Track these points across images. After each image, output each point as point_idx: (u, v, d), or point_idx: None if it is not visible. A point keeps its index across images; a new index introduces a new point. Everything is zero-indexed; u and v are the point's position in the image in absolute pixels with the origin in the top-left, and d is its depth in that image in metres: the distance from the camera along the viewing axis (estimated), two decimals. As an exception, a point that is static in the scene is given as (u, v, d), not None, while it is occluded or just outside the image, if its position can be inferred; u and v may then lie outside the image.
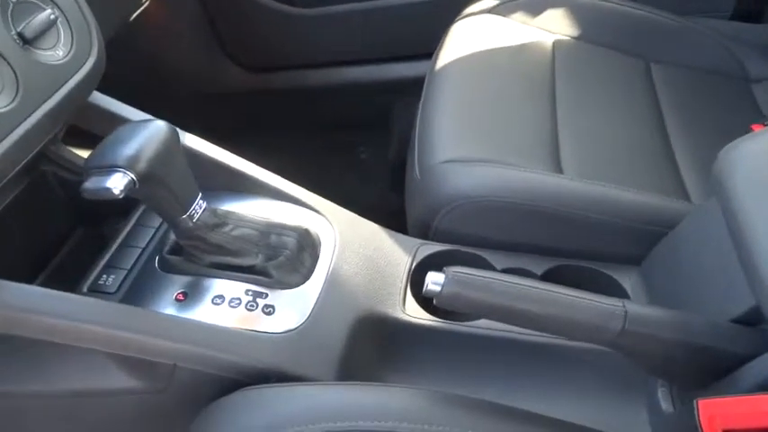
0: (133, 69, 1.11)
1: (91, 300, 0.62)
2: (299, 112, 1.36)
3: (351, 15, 1.26)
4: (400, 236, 0.80)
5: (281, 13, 1.26)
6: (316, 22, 1.27)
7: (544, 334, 0.66)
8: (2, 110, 0.56)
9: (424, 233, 0.80)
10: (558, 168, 0.80)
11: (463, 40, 0.99)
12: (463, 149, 0.81)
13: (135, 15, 1.10)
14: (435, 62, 0.97)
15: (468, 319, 0.72)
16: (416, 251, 0.78)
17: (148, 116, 0.72)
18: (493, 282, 0.56)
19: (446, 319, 0.72)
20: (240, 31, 1.30)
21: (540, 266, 0.77)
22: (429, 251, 0.78)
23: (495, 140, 0.83)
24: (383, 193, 1.20)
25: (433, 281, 0.55)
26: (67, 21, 0.65)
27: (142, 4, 1.11)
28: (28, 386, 0.61)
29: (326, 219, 0.76)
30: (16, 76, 0.58)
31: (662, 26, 1.05)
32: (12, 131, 0.57)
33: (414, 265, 0.76)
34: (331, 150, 1.35)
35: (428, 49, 1.02)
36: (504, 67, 0.96)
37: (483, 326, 0.71)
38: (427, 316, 0.72)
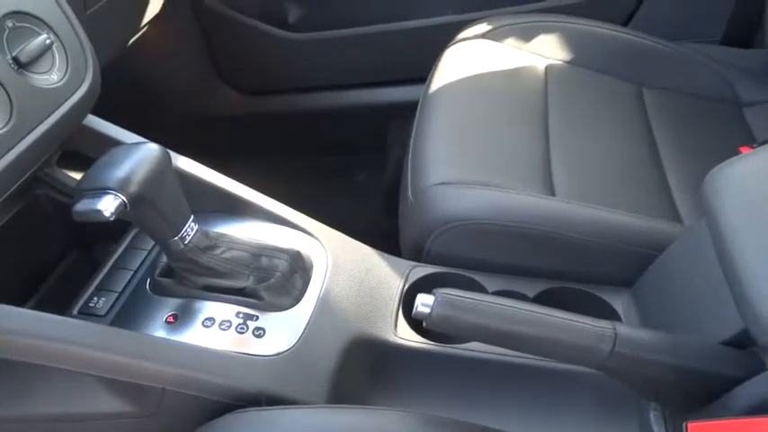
0: (129, 92, 1.11)
1: (80, 322, 0.62)
2: (295, 135, 1.37)
3: (345, 40, 1.27)
4: (393, 258, 0.80)
5: (276, 37, 1.27)
6: (310, 46, 1.28)
7: (535, 356, 0.66)
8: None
9: (417, 255, 0.80)
10: (550, 191, 0.81)
11: (456, 64, 1.00)
12: (456, 172, 0.82)
13: (133, 40, 1.12)
14: (429, 86, 0.98)
15: (459, 342, 0.71)
16: (409, 273, 0.78)
17: (142, 139, 0.73)
18: (482, 304, 0.56)
19: (437, 342, 0.72)
20: (236, 55, 1.32)
21: (532, 289, 0.76)
22: (421, 273, 0.78)
23: (487, 163, 0.84)
24: (378, 215, 1.20)
25: (423, 302, 0.55)
26: (63, 46, 0.66)
27: (140, 30, 1.12)
28: (12, 410, 0.61)
29: (319, 241, 0.76)
30: (10, 100, 0.58)
31: (654, 51, 1.06)
32: (5, 154, 0.57)
33: (406, 287, 0.76)
34: (326, 173, 1.36)
35: (422, 74, 1.03)
36: (496, 90, 0.97)
37: (474, 348, 0.71)
38: (418, 338, 0.72)
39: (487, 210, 0.77)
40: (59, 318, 0.60)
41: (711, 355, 0.56)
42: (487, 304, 0.56)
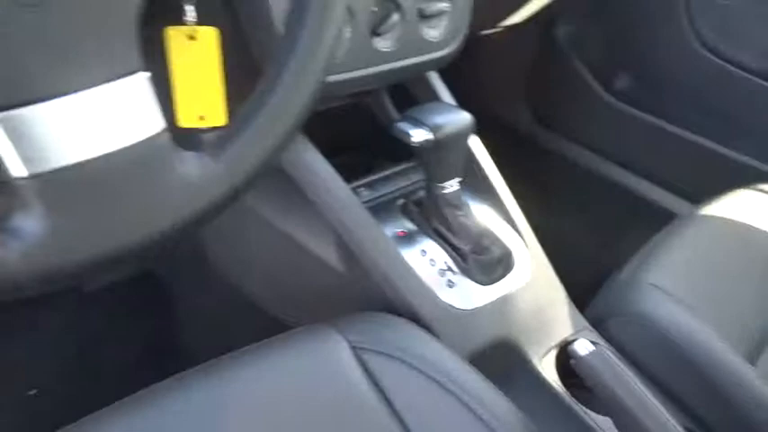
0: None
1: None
2: (565, 182, 1.48)
3: (656, 129, 1.31)
4: (575, 310, 0.89)
5: (597, 93, 1.39)
6: (622, 116, 1.35)
7: None
8: (384, 50, 0.78)
9: (595, 320, 0.89)
10: (751, 359, 0.82)
11: (741, 204, 1.02)
12: (676, 284, 0.86)
13: (486, 32, 1.31)
14: (702, 210, 1.01)
15: (594, 409, 0.77)
16: (579, 332, 0.86)
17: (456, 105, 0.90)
18: (635, 388, 0.59)
19: (574, 395, 0.79)
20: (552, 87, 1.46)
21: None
22: (590, 339, 0.85)
23: (708, 296, 0.86)
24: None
25: (585, 345, 0.64)
26: (454, 12, 0.85)
27: (495, 27, 1.31)
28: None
29: (530, 254, 0.88)
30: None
31: None
32: (378, 66, 0.78)
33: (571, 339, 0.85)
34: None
35: (698, 196, 1.07)
36: (757, 244, 0.97)
37: (601, 423, 0.76)
38: (556, 379, 0.81)
39: (683, 334, 0.80)
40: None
41: None
42: (640, 391, 0.58)
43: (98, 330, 1.15)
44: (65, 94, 0.40)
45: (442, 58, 0.86)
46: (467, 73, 1.44)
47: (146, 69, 0.45)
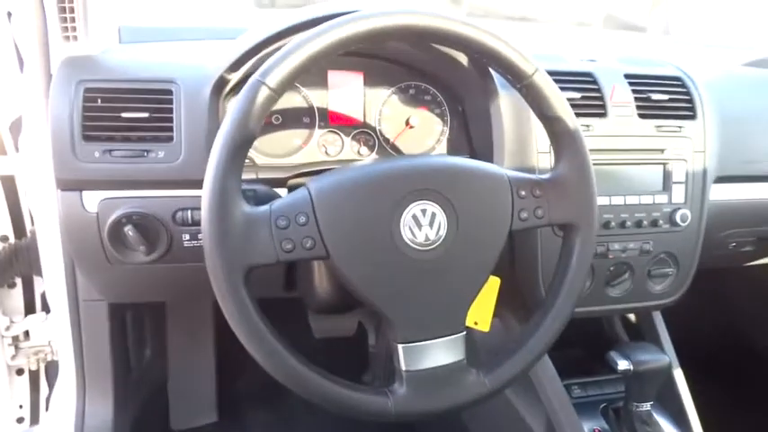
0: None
1: None
2: None
3: None
4: None
5: None
6: None
7: None
8: (614, 295, 1.08)
9: None
10: None
11: None
12: None
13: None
14: None
15: None
16: None
17: None
18: None
19: None
20: None
21: None
22: None
23: None
24: None
25: None
26: (678, 275, 1.12)
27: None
28: None
29: None
30: None
31: None
32: (609, 305, 1.09)
33: None
34: None
35: None
36: None
37: None
38: None
39: None
40: None
41: None
42: None
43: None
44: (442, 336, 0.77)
45: (663, 304, 1.13)
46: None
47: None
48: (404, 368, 0.76)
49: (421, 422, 1.48)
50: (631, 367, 1.02)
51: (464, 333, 0.78)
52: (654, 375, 1.03)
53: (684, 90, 1.10)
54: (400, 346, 0.76)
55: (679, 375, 1.15)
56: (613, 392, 1.16)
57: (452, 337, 0.77)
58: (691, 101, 1.10)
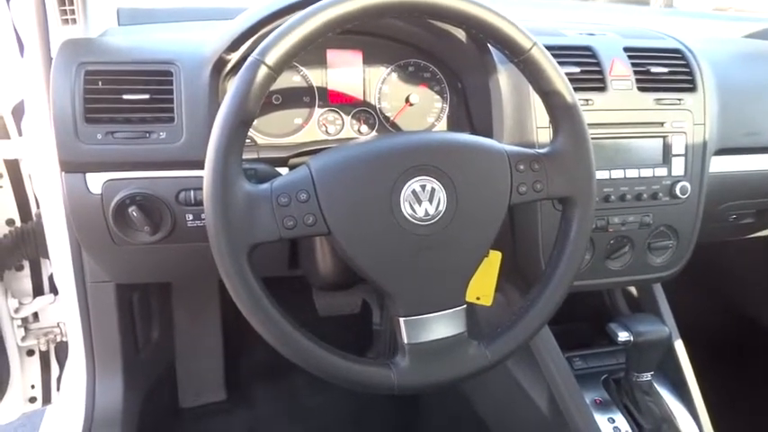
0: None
1: None
2: None
3: None
4: None
5: None
6: None
7: None
8: (614, 268, 1.10)
9: None
10: None
11: None
12: None
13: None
14: None
15: None
16: None
17: None
18: None
19: None
20: None
21: None
22: None
23: None
24: None
25: None
26: (678, 247, 1.13)
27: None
28: None
29: None
30: None
31: None
32: (609, 278, 1.10)
33: None
34: None
35: None
36: None
37: None
38: None
39: None
40: None
41: None
42: None
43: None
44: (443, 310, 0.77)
45: (663, 276, 1.14)
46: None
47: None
48: (406, 341, 0.77)
49: (424, 394, 1.51)
50: (631, 338, 1.03)
51: (465, 306, 0.79)
52: (654, 346, 1.05)
53: (684, 63, 1.10)
54: (402, 320, 0.77)
55: (679, 346, 1.16)
56: (614, 364, 1.18)
57: (453, 310, 0.78)
58: (690, 73, 1.10)
